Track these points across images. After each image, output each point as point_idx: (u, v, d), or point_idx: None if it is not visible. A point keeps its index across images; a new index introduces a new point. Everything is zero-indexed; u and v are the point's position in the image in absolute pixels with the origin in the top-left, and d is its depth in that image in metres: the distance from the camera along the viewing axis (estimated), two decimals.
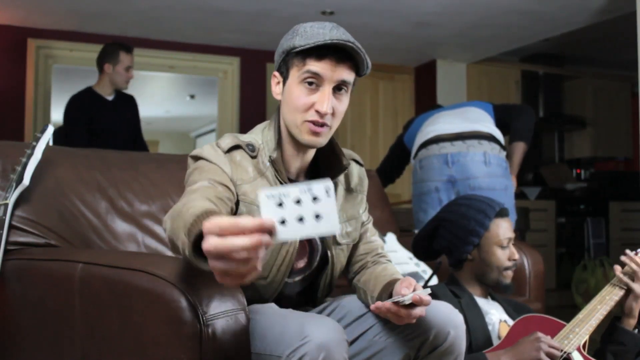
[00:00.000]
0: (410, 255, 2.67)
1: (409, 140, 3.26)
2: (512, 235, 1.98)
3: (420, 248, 2.14)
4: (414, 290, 1.30)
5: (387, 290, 1.39)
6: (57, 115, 5.20)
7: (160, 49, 4.95)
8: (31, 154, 1.72)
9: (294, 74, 1.37)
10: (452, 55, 5.36)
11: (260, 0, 4.09)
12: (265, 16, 4.38)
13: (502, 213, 1.98)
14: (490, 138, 2.83)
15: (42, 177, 1.81)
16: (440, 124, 2.90)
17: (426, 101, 5.57)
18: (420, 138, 2.98)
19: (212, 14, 4.35)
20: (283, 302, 1.45)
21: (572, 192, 5.80)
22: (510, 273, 1.97)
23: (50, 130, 1.79)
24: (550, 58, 5.93)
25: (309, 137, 1.37)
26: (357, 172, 1.58)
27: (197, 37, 4.93)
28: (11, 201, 1.70)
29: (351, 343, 1.38)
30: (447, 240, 2.00)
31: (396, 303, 1.26)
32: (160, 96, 7.31)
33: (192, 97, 7.47)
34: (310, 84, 1.35)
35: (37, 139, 1.76)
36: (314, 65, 1.33)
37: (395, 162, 3.43)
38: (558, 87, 6.17)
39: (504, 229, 1.96)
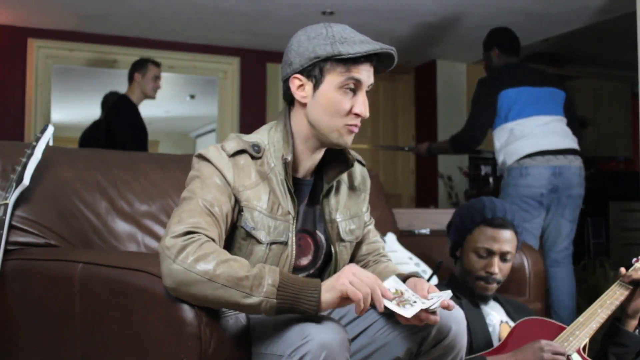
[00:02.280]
0: (410, 255, 2.67)
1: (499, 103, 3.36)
2: (497, 248, 1.92)
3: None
4: (428, 291, 1.33)
5: None
6: (57, 115, 5.21)
7: (160, 49, 4.94)
8: (31, 154, 1.72)
9: (333, 79, 1.38)
10: (452, 55, 5.36)
11: (260, 0, 4.09)
12: (265, 16, 4.38)
13: (494, 223, 1.93)
14: (580, 154, 3.33)
15: (42, 177, 1.81)
16: (541, 138, 3.26)
17: (426, 101, 5.58)
18: (524, 147, 3.27)
19: (212, 14, 4.35)
20: None
21: None
22: (483, 284, 1.93)
23: (50, 130, 1.79)
24: (550, 58, 5.92)
25: (349, 138, 1.42)
26: (360, 172, 1.60)
27: (197, 37, 4.92)
28: (11, 201, 1.70)
29: (354, 339, 1.39)
30: (449, 234, 2.08)
31: (425, 310, 1.27)
32: (160, 96, 7.26)
33: (192, 97, 7.46)
34: (351, 89, 1.38)
35: (37, 139, 1.76)
36: (357, 73, 1.37)
37: (491, 115, 3.39)
38: None
39: (487, 237, 1.92)
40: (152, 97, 4.10)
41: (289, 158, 1.41)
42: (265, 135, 1.46)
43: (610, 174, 6.09)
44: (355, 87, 1.38)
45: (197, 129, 9.61)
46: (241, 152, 1.41)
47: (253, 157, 1.42)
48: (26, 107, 4.61)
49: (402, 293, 1.28)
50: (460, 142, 3.51)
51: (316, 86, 1.40)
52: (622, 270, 1.92)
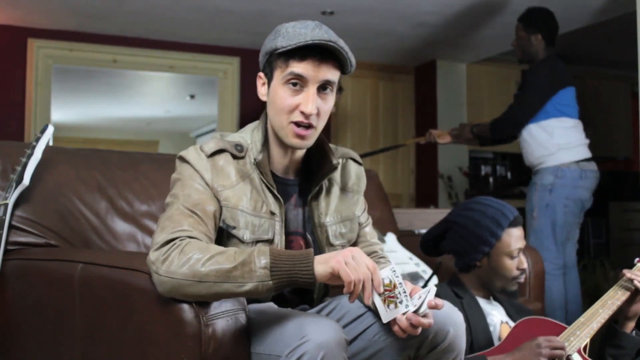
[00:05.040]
0: (410, 255, 2.67)
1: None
2: (522, 244, 1.94)
3: (426, 247, 2.14)
4: (410, 294, 1.29)
5: None
6: (57, 115, 5.20)
7: (160, 49, 4.94)
8: (31, 154, 1.72)
9: (278, 75, 1.37)
10: (452, 55, 5.36)
11: (260, 0, 4.09)
12: (265, 16, 4.38)
13: (516, 222, 1.94)
14: None
15: (42, 177, 1.81)
16: (586, 143, 3.26)
17: (426, 101, 5.57)
18: (582, 149, 3.21)
19: (212, 14, 4.35)
20: (277, 299, 1.45)
21: None
22: (518, 281, 1.95)
23: (50, 130, 1.79)
24: None
25: (294, 139, 1.39)
26: (355, 171, 1.58)
27: (197, 37, 4.92)
28: (11, 201, 1.70)
29: (350, 342, 1.38)
30: (458, 245, 1.98)
31: (414, 313, 1.25)
32: (160, 96, 7.29)
33: (192, 97, 7.46)
34: (294, 85, 1.36)
35: (37, 139, 1.76)
36: (296, 67, 1.34)
37: (540, 106, 3.23)
38: None
39: (515, 238, 1.93)
40: None
41: (259, 158, 1.41)
42: (249, 134, 1.47)
43: (610, 174, 6.09)
44: (299, 82, 1.35)
45: (197, 129, 9.61)
46: (220, 151, 1.41)
47: (235, 157, 1.41)
48: (26, 107, 4.61)
49: (394, 286, 1.25)
50: (502, 127, 3.25)
51: (269, 83, 1.41)
52: (624, 272, 1.92)
